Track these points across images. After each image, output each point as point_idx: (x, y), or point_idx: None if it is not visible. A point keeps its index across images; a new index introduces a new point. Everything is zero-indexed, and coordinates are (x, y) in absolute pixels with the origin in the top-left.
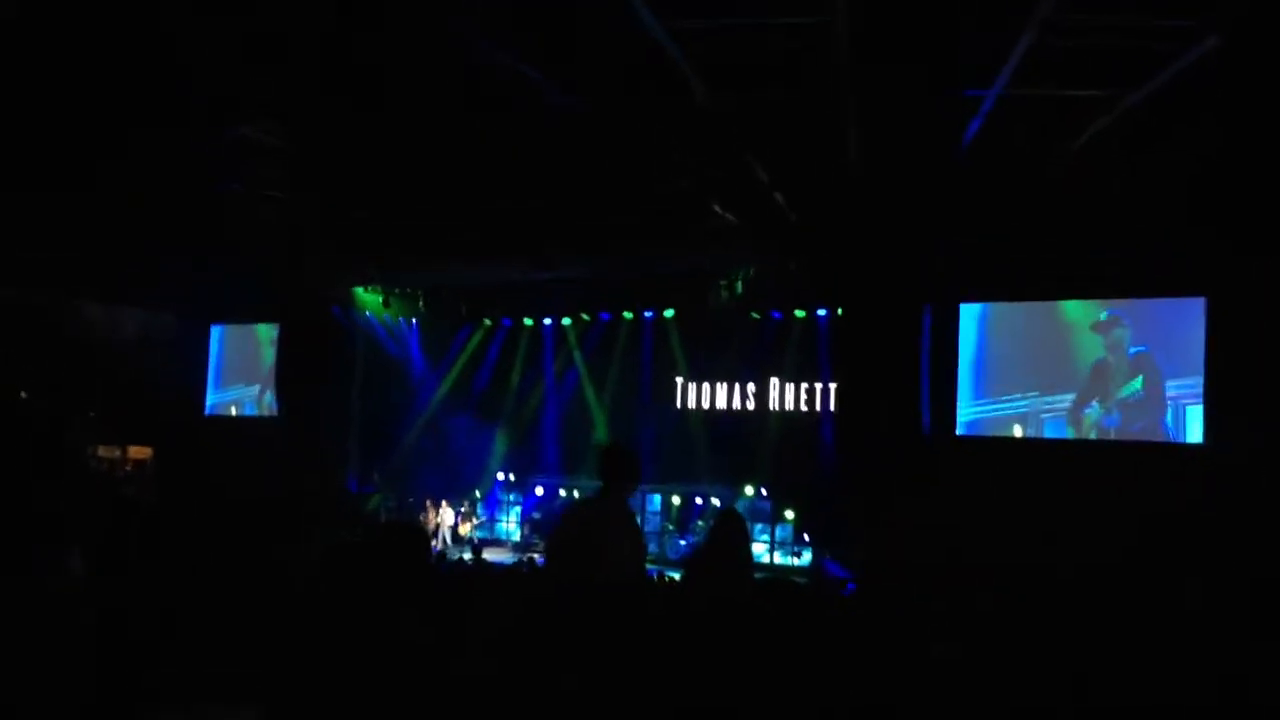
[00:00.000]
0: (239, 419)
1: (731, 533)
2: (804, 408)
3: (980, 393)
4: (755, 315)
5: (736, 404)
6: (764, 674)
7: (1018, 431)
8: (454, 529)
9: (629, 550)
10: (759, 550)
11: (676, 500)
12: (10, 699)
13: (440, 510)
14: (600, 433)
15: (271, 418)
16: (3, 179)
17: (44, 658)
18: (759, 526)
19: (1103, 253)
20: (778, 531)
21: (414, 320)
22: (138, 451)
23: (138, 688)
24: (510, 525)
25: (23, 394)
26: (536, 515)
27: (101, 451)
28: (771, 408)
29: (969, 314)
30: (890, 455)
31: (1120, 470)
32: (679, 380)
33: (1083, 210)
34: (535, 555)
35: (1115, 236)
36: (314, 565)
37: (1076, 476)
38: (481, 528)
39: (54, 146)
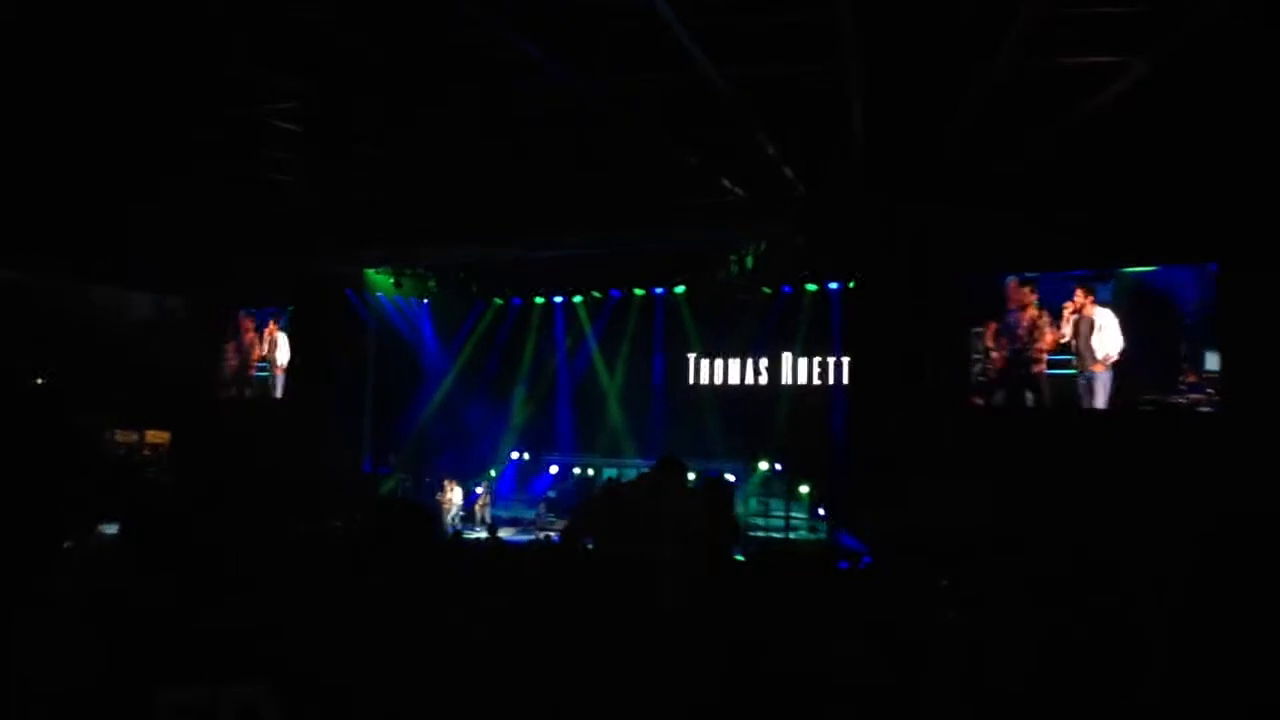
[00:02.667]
0: (254, 402)
1: (719, 498)
2: (817, 381)
3: None
4: (766, 290)
5: (749, 379)
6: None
7: None
8: (467, 508)
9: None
10: (776, 524)
11: (690, 476)
12: (23, 676)
13: (461, 488)
14: (613, 410)
15: (287, 400)
16: (15, 163)
17: (56, 638)
18: (774, 502)
19: (1111, 219)
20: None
21: (425, 300)
22: (155, 435)
23: (151, 666)
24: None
25: (39, 380)
26: (552, 494)
27: (119, 436)
28: (784, 382)
29: None
30: (904, 426)
31: (1138, 438)
32: (691, 356)
33: (1092, 177)
34: (551, 533)
35: (1123, 203)
36: (326, 545)
37: (1093, 445)
38: (496, 506)
39: (65, 131)
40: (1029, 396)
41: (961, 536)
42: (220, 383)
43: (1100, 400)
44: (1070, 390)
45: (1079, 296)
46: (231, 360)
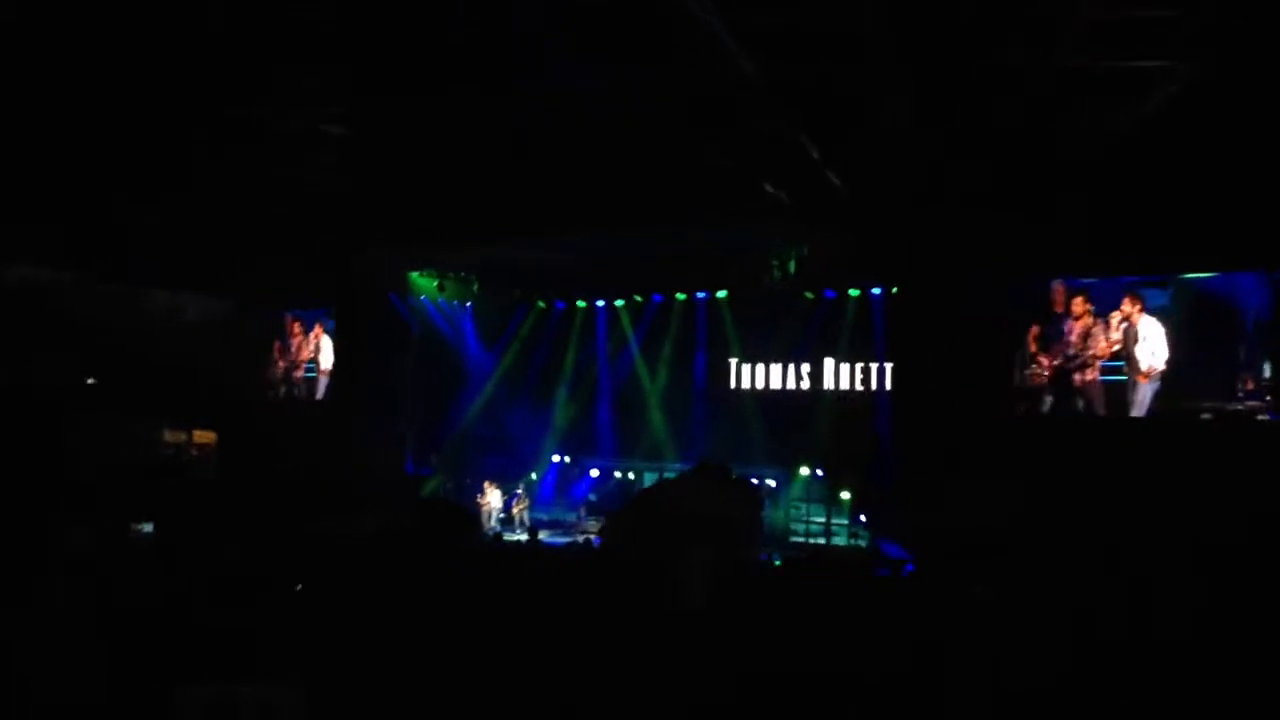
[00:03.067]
0: (299, 404)
1: (745, 500)
2: (859, 387)
3: None
4: (809, 295)
5: (791, 384)
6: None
7: None
8: (506, 510)
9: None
10: (816, 530)
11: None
12: (46, 672)
13: (501, 492)
14: (654, 414)
15: (331, 402)
16: (66, 169)
17: (76, 634)
18: (815, 508)
19: (1162, 225)
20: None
21: (468, 304)
22: (202, 436)
23: (174, 665)
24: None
25: (90, 380)
26: (592, 497)
27: (168, 436)
28: (826, 387)
29: None
30: (949, 434)
31: (1191, 445)
32: (732, 361)
33: (1141, 183)
34: (590, 536)
35: (1174, 209)
36: (364, 545)
37: (1142, 453)
38: (536, 509)
39: (113, 136)
40: (1078, 403)
41: (1004, 543)
42: (267, 384)
43: (1143, 409)
44: (1120, 397)
45: (1126, 305)
46: (279, 362)
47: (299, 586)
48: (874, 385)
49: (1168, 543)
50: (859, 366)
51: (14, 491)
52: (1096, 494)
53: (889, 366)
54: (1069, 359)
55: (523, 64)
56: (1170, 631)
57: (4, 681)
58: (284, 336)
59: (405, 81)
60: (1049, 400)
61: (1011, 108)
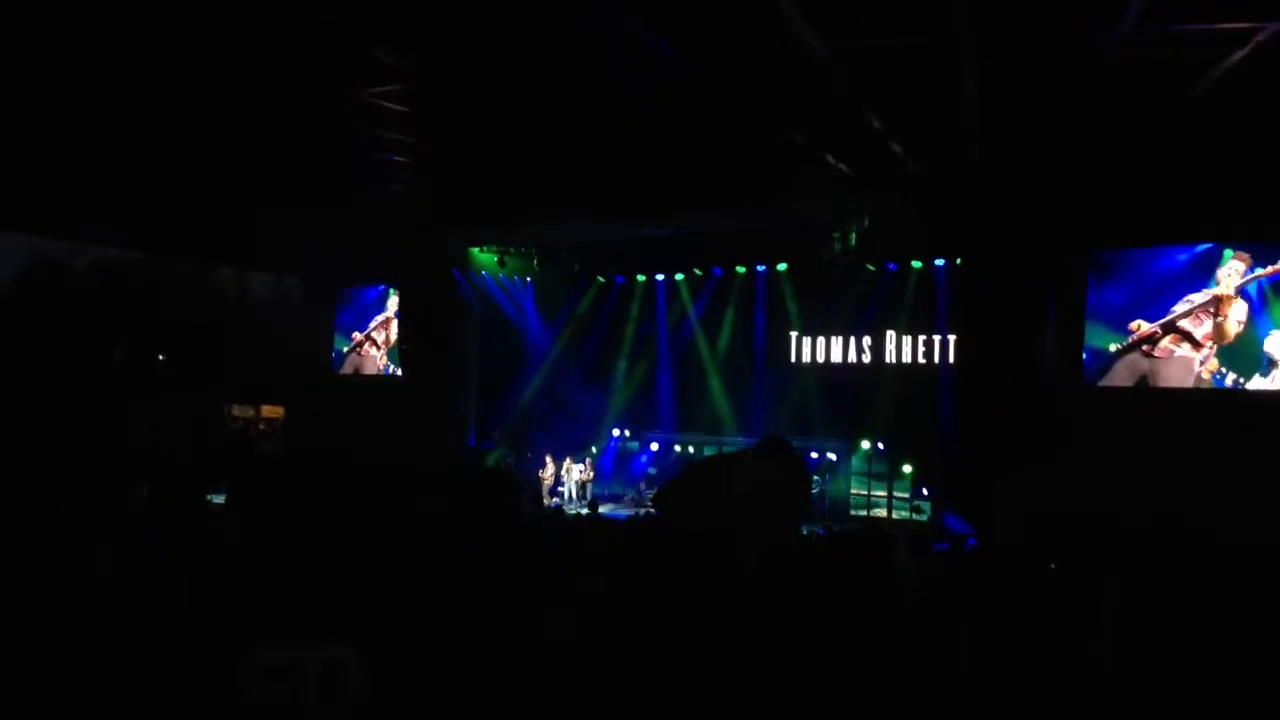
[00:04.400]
0: (363, 378)
1: (785, 462)
2: (921, 360)
3: None
4: (870, 267)
5: (851, 357)
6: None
7: None
8: (579, 483)
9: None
10: (878, 504)
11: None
12: (119, 636)
13: (563, 465)
14: (714, 388)
15: (394, 377)
16: (140, 150)
17: (147, 599)
18: (876, 482)
19: (1234, 195)
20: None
21: (529, 279)
22: (270, 410)
23: (241, 630)
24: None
25: (160, 358)
26: (652, 470)
27: (236, 411)
28: (887, 360)
29: None
30: (1014, 407)
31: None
32: (793, 334)
33: (1211, 152)
34: (651, 509)
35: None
36: (421, 515)
37: (1212, 428)
38: (597, 483)
39: (190, 118)
40: (1148, 378)
41: (1078, 521)
42: (332, 359)
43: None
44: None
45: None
46: (352, 339)
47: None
48: (936, 358)
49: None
50: (921, 339)
51: (80, 466)
52: (1163, 466)
53: (952, 339)
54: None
55: (586, 42)
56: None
57: (61, 648)
58: (351, 313)
59: (468, 63)
60: (1125, 376)
61: (1075, 76)
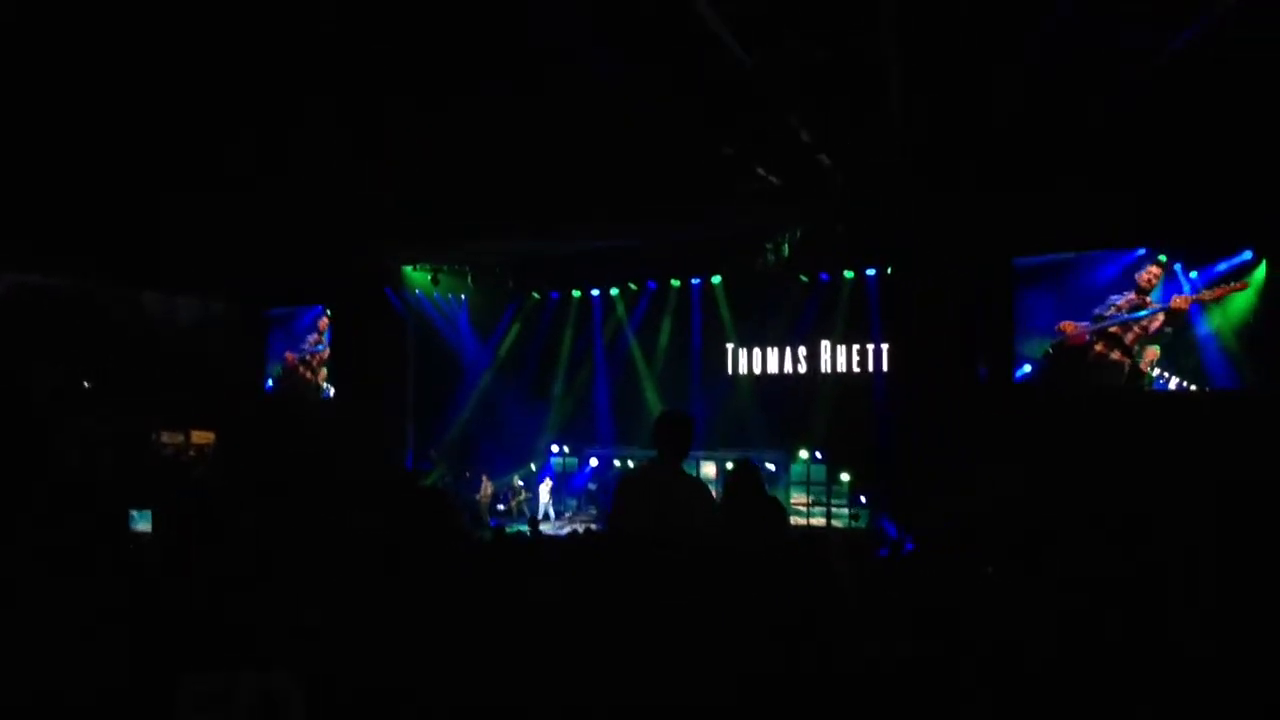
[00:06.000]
0: (296, 400)
1: (751, 483)
2: (856, 369)
3: None
4: (804, 278)
5: (788, 368)
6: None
7: None
8: (506, 502)
9: (700, 513)
10: (817, 513)
11: (730, 466)
12: (52, 665)
13: (509, 483)
14: (652, 402)
15: (328, 399)
16: (60, 170)
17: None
18: (815, 490)
19: (1151, 200)
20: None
21: (463, 296)
22: (200, 436)
23: (175, 657)
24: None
25: (85, 384)
26: (592, 486)
27: (166, 437)
28: (823, 370)
29: None
30: (946, 413)
31: (1183, 420)
32: (729, 346)
33: (1125, 160)
34: (591, 525)
35: (1161, 184)
36: (357, 538)
37: (1139, 427)
38: (532, 501)
39: (101, 131)
40: (1078, 379)
41: (1007, 523)
42: (265, 383)
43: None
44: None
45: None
46: (285, 359)
47: (295, 580)
48: (871, 367)
49: (1174, 520)
50: (855, 348)
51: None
52: (1100, 470)
53: (885, 347)
54: (1069, 341)
55: (511, 59)
56: (1184, 614)
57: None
58: (282, 335)
59: (394, 76)
60: (1053, 378)
61: (1009, 81)
